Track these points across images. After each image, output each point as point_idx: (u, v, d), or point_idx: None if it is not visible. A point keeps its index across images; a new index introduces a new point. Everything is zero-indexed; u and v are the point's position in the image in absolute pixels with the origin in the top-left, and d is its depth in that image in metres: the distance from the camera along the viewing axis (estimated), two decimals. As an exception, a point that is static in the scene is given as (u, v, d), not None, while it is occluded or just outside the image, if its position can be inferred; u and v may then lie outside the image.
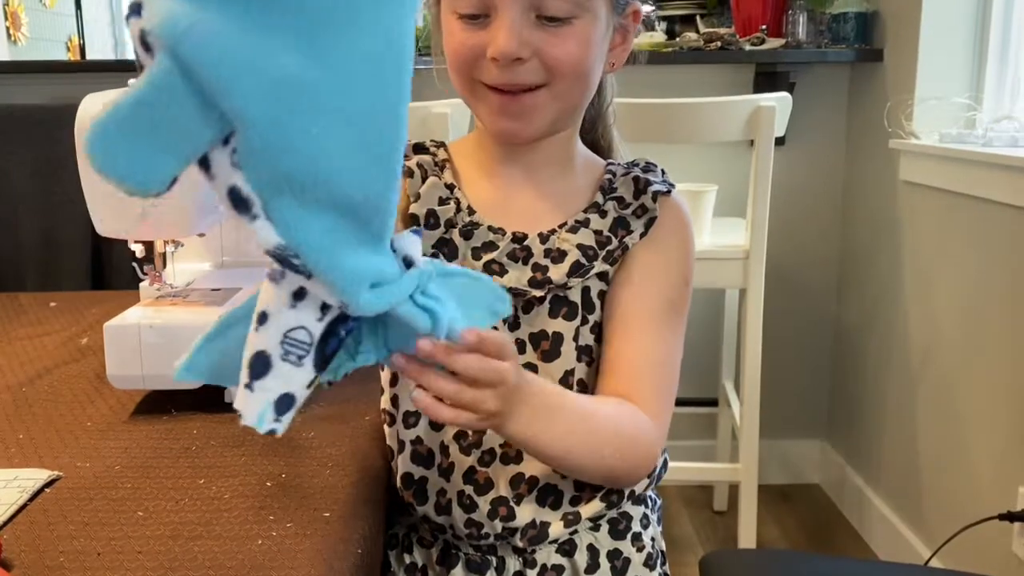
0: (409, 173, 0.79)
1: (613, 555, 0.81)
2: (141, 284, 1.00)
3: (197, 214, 0.84)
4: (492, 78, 0.73)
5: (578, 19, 0.72)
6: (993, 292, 1.66)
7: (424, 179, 0.79)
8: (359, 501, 0.69)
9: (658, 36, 2.36)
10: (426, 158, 0.81)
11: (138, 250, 0.90)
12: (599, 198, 0.80)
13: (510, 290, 0.76)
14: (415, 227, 0.60)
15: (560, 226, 0.79)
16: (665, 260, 0.79)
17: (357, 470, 0.74)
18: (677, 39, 2.34)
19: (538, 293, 0.77)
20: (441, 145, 0.83)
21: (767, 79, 2.22)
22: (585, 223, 0.79)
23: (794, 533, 2.22)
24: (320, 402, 0.87)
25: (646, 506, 0.86)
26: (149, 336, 0.84)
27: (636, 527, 0.83)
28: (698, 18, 2.52)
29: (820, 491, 2.44)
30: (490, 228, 0.78)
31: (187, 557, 0.59)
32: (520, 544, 0.78)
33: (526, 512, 0.78)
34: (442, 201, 0.78)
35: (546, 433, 0.67)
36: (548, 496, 0.79)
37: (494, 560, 0.79)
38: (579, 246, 0.77)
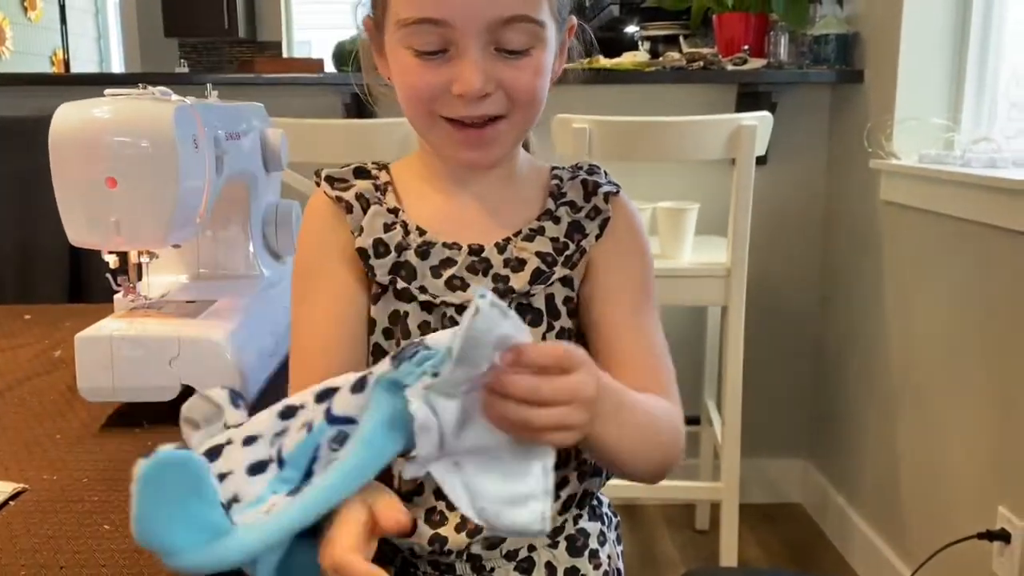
0: (348, 208, 0.78)
1: (570, 572, 0.80)
2: (115, 296, 0.99)
3: (171, 225, 0.84)
4: (455, 112, 0.73)
5: (534, 49, 0.73)
6: (971, 311, 1.67)
7: (364, 210, 0.78)
8: (330, 515, 0.68)
9: (641, 55, 2.38)
10: (366, 184, 0.80)
11: (112, 261, 0.89)
12: (550, 204, 0.81)
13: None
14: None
15: (515, 235, 0.79)
16: (629, 256, 0.81)
17: (329, 484, 0.73)
18: (660, 58, 2.35)
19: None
20: (384, 167, 0.83)
21: (749, 99, 2.24)
22: (540, 231, 0.79)
23: (776, 552, 2.21)
24: (294, 415, 0.86)
25: (603, 523, 0.85)
26: (121, 348, 0.83)
27: (593, 544, 0.82)
28: (681, 38, 2.55)
29: (802, 510, 2.44)
30: (445, 244, 0.77)
31: (152, 570, 0.58)
32: (476, 551, 0.77)
33: None
34: (387, 227, 0.77)
35: (620, 432, 0.66)
36: None
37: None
38: (538, 253, 0.78)
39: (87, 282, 1.77)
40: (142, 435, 0.82)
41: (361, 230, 0.77)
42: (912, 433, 1.90)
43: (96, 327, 0.85)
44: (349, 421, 0.56)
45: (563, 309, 0.79)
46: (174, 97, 0.88)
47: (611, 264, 0.80)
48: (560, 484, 0.79)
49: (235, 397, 0.60)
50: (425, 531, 0.77)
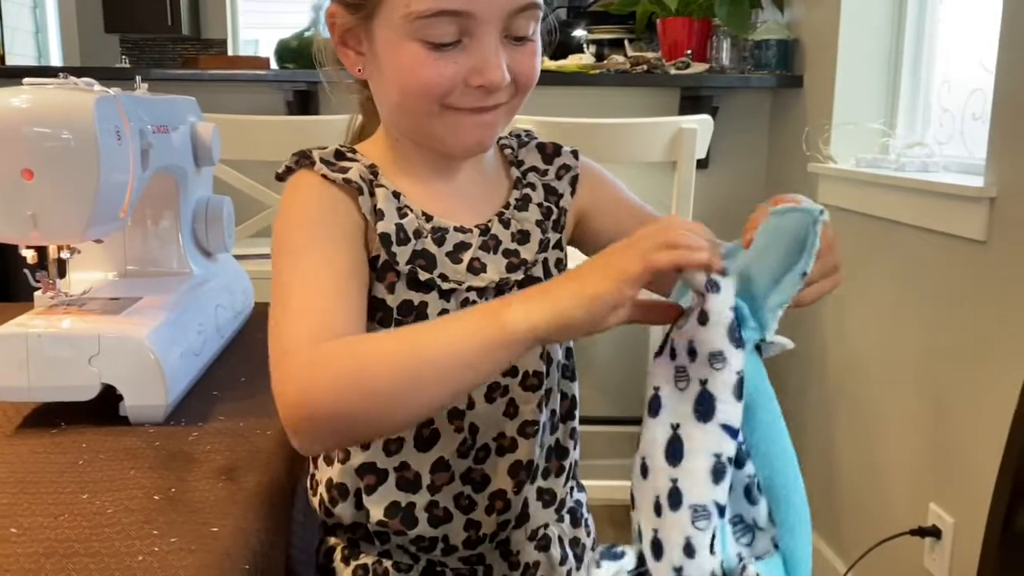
0: (359, 190, 0.73)
1: (573, 543, 0.84)
2: (36, 293, 0.96)
3: (91, 220, 0.81)
4: (470, 103, 0.71)
5: (534, 33, 0.73)
6: (905, 313, 1.71)
7: (372, 193, 0.74)
8: (252, 515, 0.66)
9: (587, 58, 2.39)
10: (359, 166, 0.75)
11: (30, 256, 0.86)
12: (515, 172, 0.81)
13: (496, 284, 0.75)
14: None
15: (505, 207, 0.79)
16: (607, 188, 0.86)
17: (254, 484, 0.71)
18: (605, 61, 2.36)
19: (517, 277, 0.76)
20: (353, 150, 0.79)
21: (692, 103, 2.26)
22: (527, 198, 0.80)
23: (717, 552, 2.23)
24: (219, 415, 0.84)
25: (583, 492, 0.89)
26: (38, 346, 0.80)
27: (584, 512, 0.87)
28: (626, 42, 2.56)
29: (743, 510, 2.46)
30: (456, 228, 0.76)
31: (60, 575, 0.56)
32: (504, 535, 0.78)
33: (521, 500, 0.78)
34: (400, 213, 0.74)
35: None
36: (540, 477, 0.80)
37: (481, 569, 0.79)
38: (536, 222, 0.79)
39: (15, 283, 1.72)
40: (59, 436, 0.79)
41: (381, 214, 0.72)
42: (849, 433, 1.94)
43: (11, 324, 0.82)
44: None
45: (555, 272, 0.80)
46: (97, 87, 0.86)
47: (597, 205, 0.84)
48: (562, 454, 0.82)
49: (611, 551, 0.60)
50: (458, 518, 0.77)
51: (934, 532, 1.57)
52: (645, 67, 2.26)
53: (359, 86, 0.82)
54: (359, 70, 0.76)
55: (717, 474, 0.54)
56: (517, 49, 0.72)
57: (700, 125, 1.77)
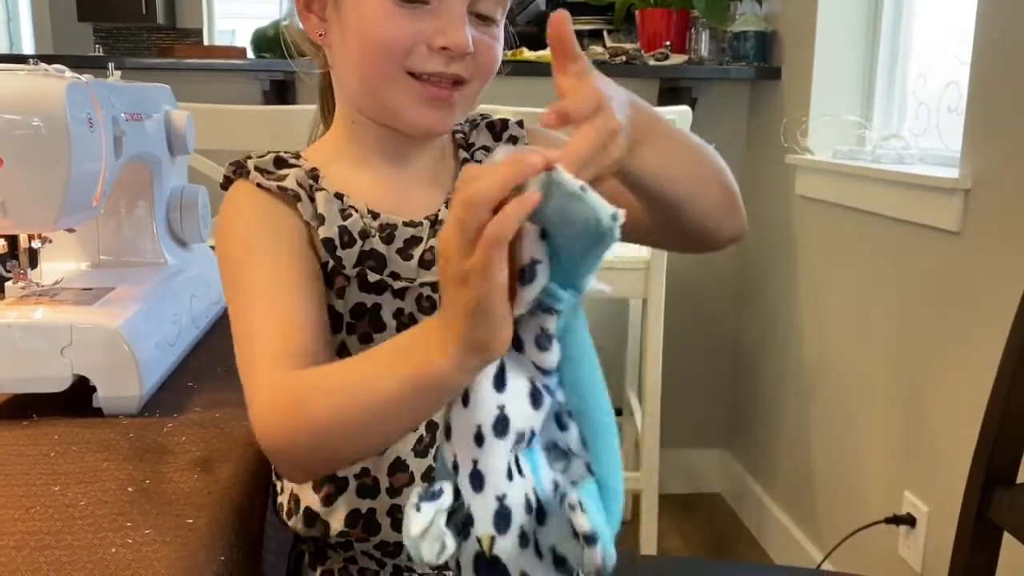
0: (296, 197, 0.72)
1: None
2: (6, 283, 0.94)
3: (63, 208, 0.80)
4: (429, 67, 0.70)
5: (499, 20, 0.73)
6: (880, 303, 1.72)
7: (312, 198, 0.73)
8: (228, 507, 0.66)
9: (566, 49, 2.38)
10: (298, 172, 0.74)
11: (0, 245, 0.84)
12: (463, 155, 0.80)
13: None
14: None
15: (453, 193, 0.78)
16: (559, 137, 0.81)
17: (229, 476, 0.70)
18: (584, 52, 2.36)
19: None
20: (297, 155, 0.77)
21: (671, 94, 2.26)
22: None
23: (696, 542, 2.25)
24: (195, 407, 0.83)
25: None
26: (8, 336, 0.79)
27: None
28: (605, 33, 2.56)
29: (721, 500, 2.48)
30: (405, 223, 0.74)
31: (31, 568, 0.55)
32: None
33: None
34: (344, 215, 0.73)
35: (659, 156, 0.67)
36: None
37: (451, 573, 0.77)
38: None
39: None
40: (31, 428, 0.78)
41: (322, 219, 0.71)
42: (825, 423, 1.95)
43: (-20, 315, 0.80)
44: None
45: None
46: (68, 74, 0.84)
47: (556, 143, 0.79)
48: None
49: (430, 492, 0.55)
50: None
51: (909, 520, 1.59)
52: (624, 58, 2.26)
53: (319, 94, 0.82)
54: (320, 35, 0.74)
55: (534, 398, 0.56)
56: (480, 29, 0.71)
57: (679, 116, 1.77)
